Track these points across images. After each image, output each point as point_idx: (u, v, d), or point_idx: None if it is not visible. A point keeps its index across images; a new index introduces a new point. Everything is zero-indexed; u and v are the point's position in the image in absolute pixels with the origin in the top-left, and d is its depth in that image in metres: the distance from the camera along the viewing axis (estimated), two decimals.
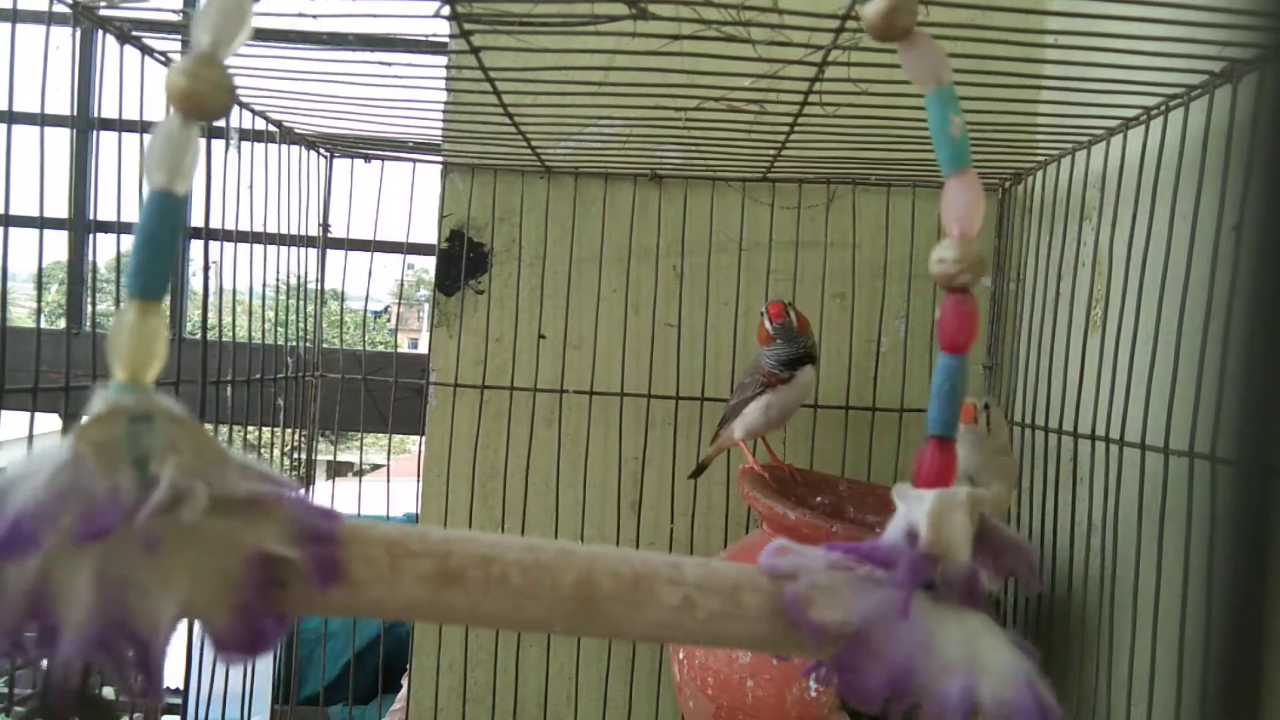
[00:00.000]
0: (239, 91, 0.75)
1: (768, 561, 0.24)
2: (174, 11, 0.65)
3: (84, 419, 0.20)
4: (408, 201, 0.92)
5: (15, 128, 0.61)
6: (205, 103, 0.22)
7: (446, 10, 0.52)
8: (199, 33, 0.22)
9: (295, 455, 0.95)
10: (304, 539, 0.21)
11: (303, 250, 0.94)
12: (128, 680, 0.18)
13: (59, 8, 0.60)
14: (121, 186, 0.69)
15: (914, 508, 0.25)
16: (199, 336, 0.78)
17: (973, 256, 0.27)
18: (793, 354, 0.72)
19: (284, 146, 0.85)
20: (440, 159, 0.90)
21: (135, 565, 0.19)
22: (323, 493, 1.00)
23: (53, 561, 0.18)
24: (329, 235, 0.97)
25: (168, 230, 0.21)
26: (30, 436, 0.66)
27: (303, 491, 0.22)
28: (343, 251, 0.97)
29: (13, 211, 0.58)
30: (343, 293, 1.18)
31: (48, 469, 0.19)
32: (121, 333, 0.21)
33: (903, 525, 0.25)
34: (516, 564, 0.22)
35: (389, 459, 0.98)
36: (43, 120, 0.61)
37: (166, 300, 0.22)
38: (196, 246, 0.81)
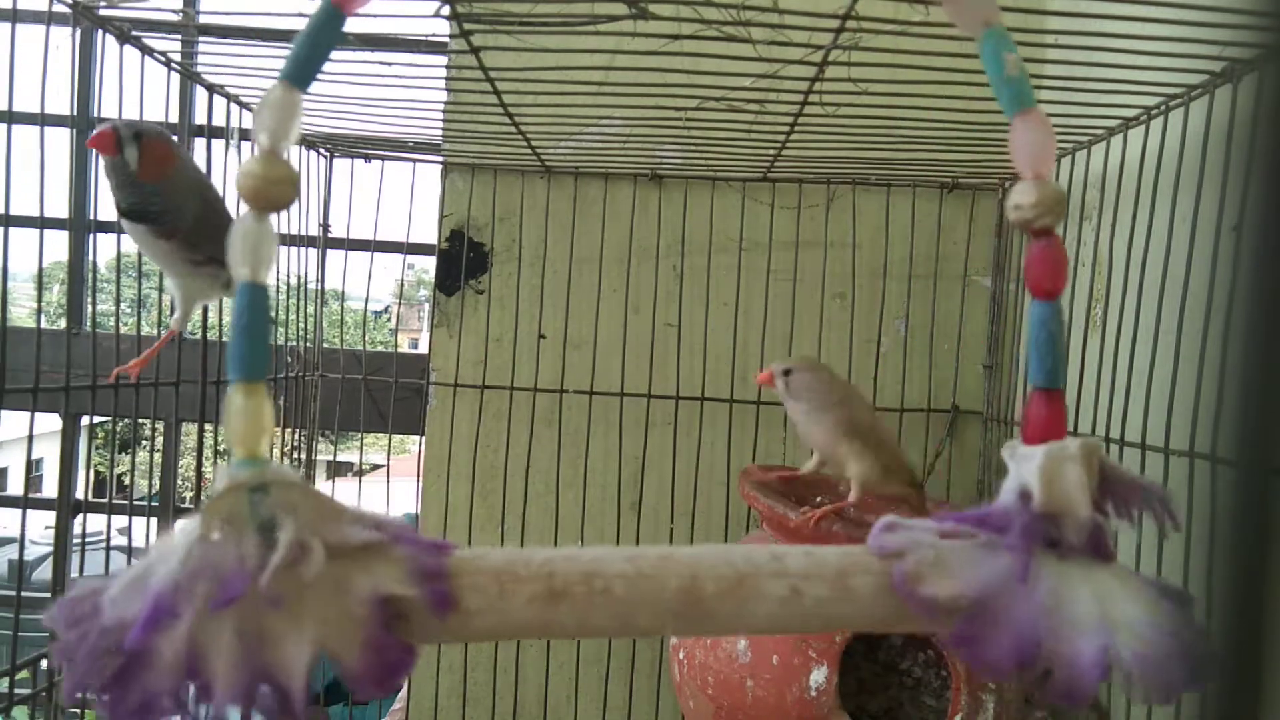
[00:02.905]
0: (238, 92, 0.76)
1: (876, 540, 0.24)
2: (174, 11, 0.65)
3: (209, 496, 0.22)
4: (408, 201, 0.92)
5: (15, 128, 0.61)
6: (274, 197, 0.24)
7: (446, 10, 0.52)
8: (259, 133, 0.24)
9: (295, 455, 0.95)
10: (418, 576, 0.23)
11: (303, 250, 0.94)
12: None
13: (59, 8, 0.60)
14: None
15: (1023, 466, 0.24)
16: (199, 336, 0.78)
17: (1052, 197, 0.26)
18: None
19: (289, 149, 0.85)
20: (440, 159, 0.90)
21: (268, 619, 0.21)
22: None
23: (199, 627, 0.20)
24: (329, 235, 0.97)
25: (260, 318, 0.24)
26: (30, 436, 0.67)
27: (413, 531, 0.24)
28: (343, 251, 0.97)
29: (13, 211, 0.58)
30: (343, 293, 1.18)
31: (182, 547, 0.22)
32: (232, 415, 0.24)
33: (1015, 486, 0.24)
34: (619, 576, 0.23)
35: (389, 459, 0.98)
36: (43, 120, 0.61)
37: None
38: None
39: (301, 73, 0.26)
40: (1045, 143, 0.26)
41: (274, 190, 0.24)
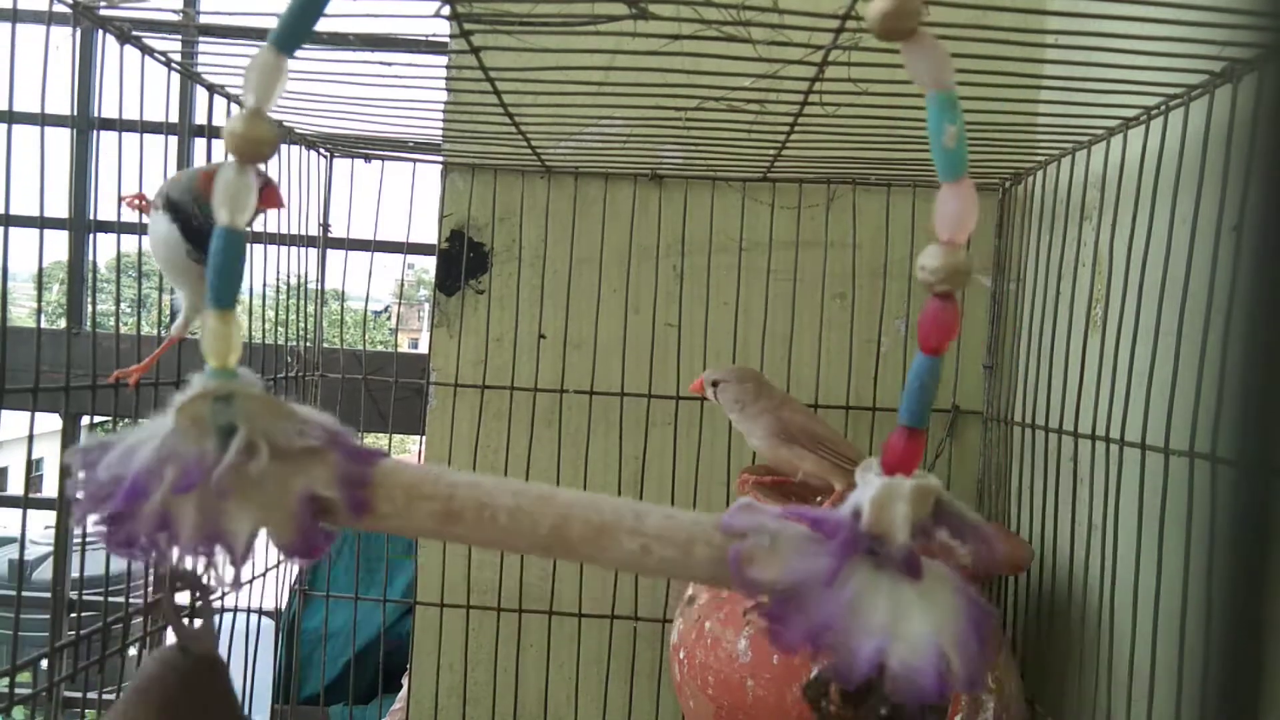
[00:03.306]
0: (238, 92, 0.76)
1: (727, 518, 0.28)
2: (174, 11, 0.65)
3: (182, 398, 0.27)
4: (408, 201, 0.92)
5: (15, 128, 0.61)
6: (256, 149, 0.28)
7: (446, 10, 0.52)
8: (246, 93, 0.28)
9: None
10: (343, 482, 0.28)
11: (303, 250, 0.94)
12: (218, 571, 0.27)
13: (59, 8, 0.60)
14: (121, 186, 0.69)
15: (863, 490, 0.28)
16: (200, 336, 0.78)
17: (954, 267, 0.28)
18: None
19: (284, 146, 0.85)
20: (440, 159, 0.90)
21: (221, 501, 0.27)
22: None
23: (167, 499, 0.26)
24: (329, 235, 0.97)
25: (235, 259, 0.28)
26: (30, 436, 0.67)
27: (350, 438, 0.29)
28: (343, 251, 0.97)
29: (13, 211, 0.58)
30: (343, 292, 1.18)
31: (157, 437, 0.27)
32: (206, 335, 0.28)
33: (854, 502, 0.28)
34: (504, 508, 0.28)
35: None
36: (43, 120, 0.61)
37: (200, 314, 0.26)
38: None
39: (289, 38, 0.28)
40: (967, 213, 0.29)
41: (256, 148, 0.28)
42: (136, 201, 0.71)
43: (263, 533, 0.27)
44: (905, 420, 0.28)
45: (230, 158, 0.28)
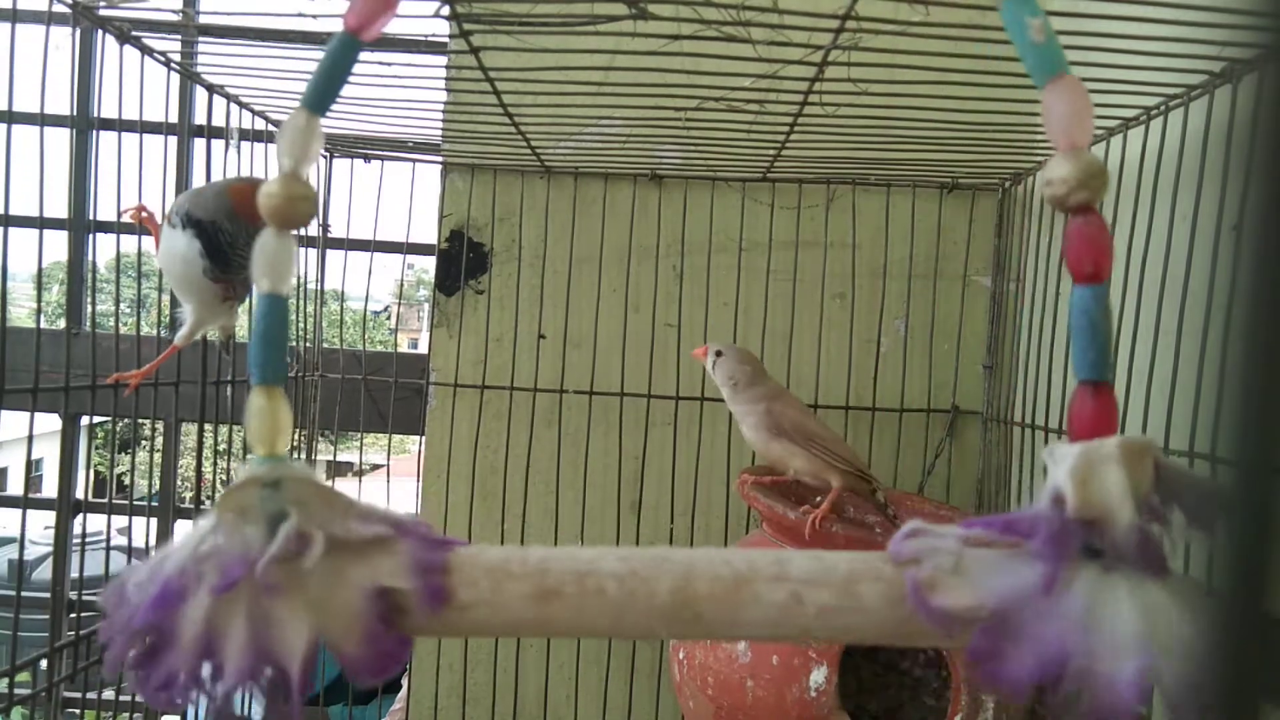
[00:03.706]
0: (238, 92, 0.76)
1: (895, 546, 0.23)
2: (174, 11, 0.65)
3: (224, 490, 0.24)
4: (408, 201, 0.92)
5: (15, 128, 0.61)
6: (294, 214, 0.26)
7: (446, 10, 0.52)
8: (281, 156, 0.27)
9: (295, 455, 0.95)
10: (415, 570, 0.24)
11: (303, 250, 0.94)
12: (274, 701, 0.22)
13: (59, 8, 0.60)
14: (121, 186, 0.69)
15: (1058, 467, 0.22)
16: (199, 338, 0.78)
17: (1087, 170, 0.23)
18: None
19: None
20: (440, 159, 0.90)
21: (273, 606, 0.23)
22: None
23: (213, 611, 0.22)
24: (329, 235, 0.97)
25: (278, 327, 0.26)
26: (30, 436, 0.67)
27: (426, 527, 0.25)
28: (343, 251, 0.97)
29: (13, 211, 0.58)
30: (343, 293, 1.18)
31: (197, 536, 0.24)
32: (251, 415, 0.26)
33: (1050, 489, 0.22)
34: (612, 576, 0.24)
35: (389, 459, 0.98)
36: (43, 120, 0.61)
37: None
38: None
39: (320, 100, 0.27)
40: (1080, 111, 0.24)
41: (295, 208, 0.26)
42: (137, 214, 0.71)
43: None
44: (1084, 373, 0.23)
45: (269, 225, 0.26)
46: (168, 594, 0.22)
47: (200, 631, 0.22)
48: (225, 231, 0.66)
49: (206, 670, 0.22)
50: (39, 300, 0.66)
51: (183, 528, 0.91)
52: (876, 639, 0.23)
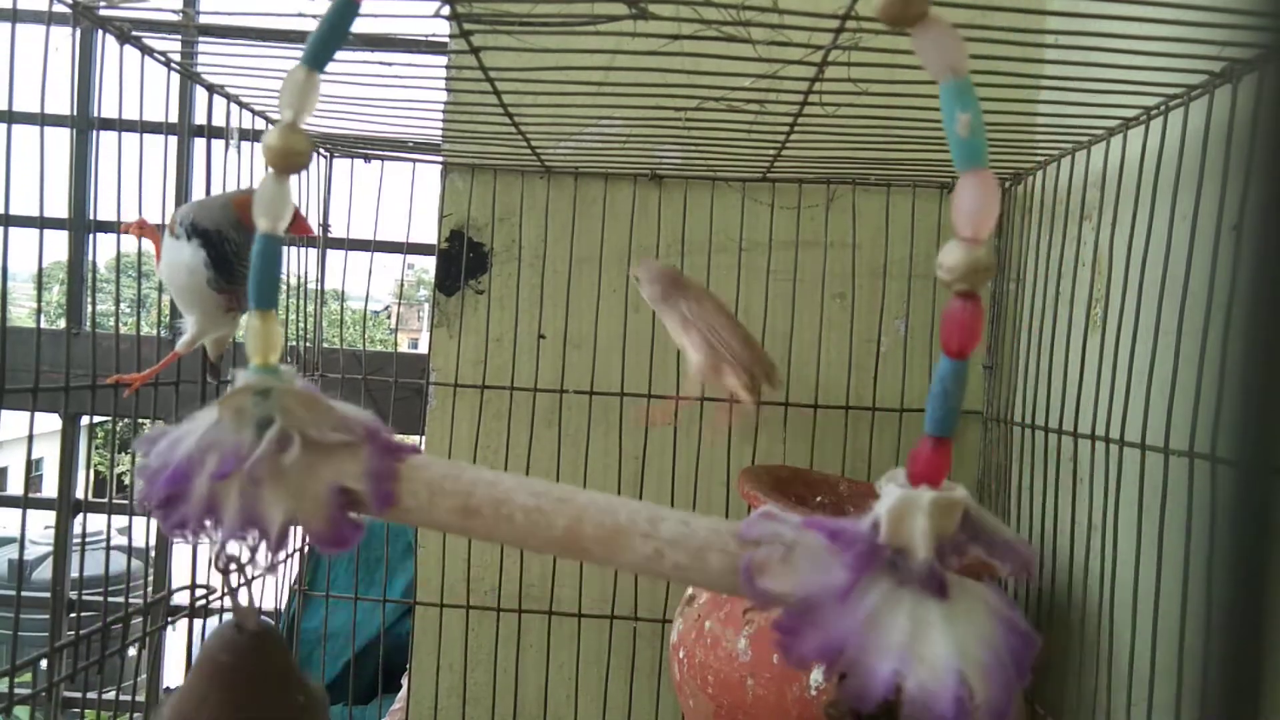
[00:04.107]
0: (238, 92, 0.76)
1: (745, 525, 0.27)
2: (174, 11, 0.65)
3: (224, 393, 0.29)
4: (408, 201, 0.92)
5: (15, 128, 0.61)
6: (293, 160, 0.30)
7: (446, 10, 0.52)
8: (283, 108, 0.29)
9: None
10: (371, 475, 0.29)
11: (303, 250, 0.94)
12: (255, 553, 0.29)
13: (59, 8, 0.60)
14: (121, 186, 0.69)
15: (883, 501, 0.26)
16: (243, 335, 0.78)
17: (974, 264, 0.26)
18: None
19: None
20: (440, 159, 0.90)
21: (259, 488, 0.28)
22: None
23: (213, 488, 0.28)
24: (329, 235, 0.97)
25: (273, 262, 0.30)
26: (30, 436, 0.67)
27: (384, 432, 0.30)
28: (343, 251, 0.97)
29: (13, 211, 0.58)
30: (343, 292, 1.18)
31: (201, 426, 0.29)
32: (250, 334, 0.30)
33: (875, 513, 0.27)
34: (521, 507, 0.29)
35: None
36: (43, 120, 0.61)
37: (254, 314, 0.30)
38: None
39: (318, 57, 0.30)
40: (987, 206, 0.27)
41: (293, 159, 0.29)
42: (138, 228, 0.71)
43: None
44: (930, 429, 0.27)
45: (269, 169, 0.30)
46: (178, 475, 0.28)
47: (204, 497, 0.28)
48: (231, 242, 0.66)
49: (209, 522, 0.28)
50: (39, 300, 0.66)
51: None
52: (715, 590, 0.30)
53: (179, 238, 0.67)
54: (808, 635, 0.25)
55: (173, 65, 0.68)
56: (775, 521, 0.27)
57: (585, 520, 0.28)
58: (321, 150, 0.93)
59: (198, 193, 0.82)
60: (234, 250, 0.66)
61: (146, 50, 0.65)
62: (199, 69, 0.70)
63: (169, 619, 0.82)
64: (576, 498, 0.29)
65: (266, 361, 0.30)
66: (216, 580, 0.79)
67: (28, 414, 0.63)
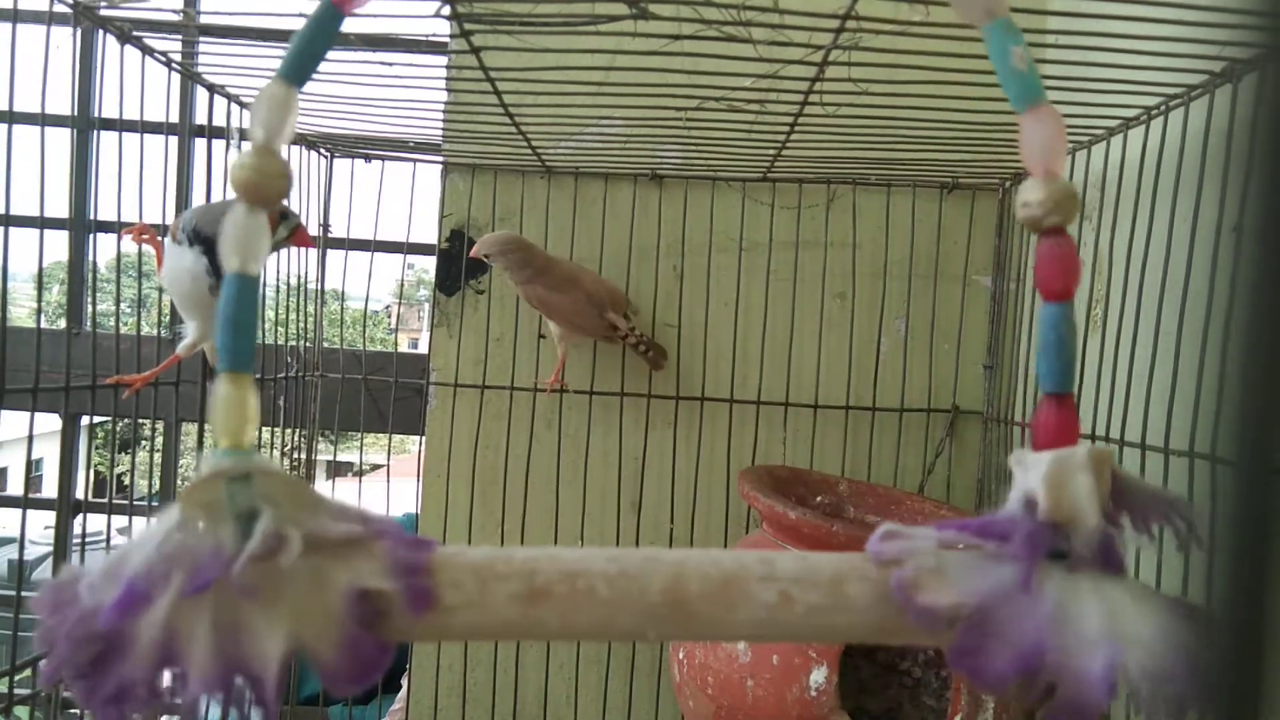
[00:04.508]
0: (238, 92, 0.76)
1: (873, 547, 0.24)
2: (174, 11, 0.65)
3: (188, 484, 0.22)
4: (408, 201, 0.92)
5: (15, 128, 0.61)
6: (267, 190, 0.24)
7: (446, 10, 0.52)
8: (255, 127, 0.25)
9: (295, 455, 0.95)
10: (397, 571, 0.22)
11: (303, 250, 0.94)
12: (243, 713, 0.21)
13: (59, 8, 0.60)
14: (121, 186, 0.69)
15: (1030, 473, 0.23)
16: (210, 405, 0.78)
17: (1060, 194, 0.24)
18: None
19: (284, 146, 0.85)
20: (440, 159, 0.90)
21: (244, 610, 0.21)
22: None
23: (175, 614, 0.20)
24: (329, 235, 0.97)
25: (248, 309, 0.24)
26: (30, 436, 0.67)
27: (398, 527, 0.24)
28: (343, 251, 0.97)
29: (13, 211, 0.58)
30: (343, 292, 1.18)
31: (160, 533, 0.22)
32: (217, 404, 0.23)
33: (1020, 493, 0.23)
34: (602, 575, 0.23)
35: (389, 459, 0.98)
36: (43, 120, 0.61)
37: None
38: None
39: (298, 71, 0.26)
40: (1056, 138, 0.25)
41: (268, 184, 0.24)
42: (138, 235, 0.71)
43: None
44: (1049, 386, 0.24)
45: (239, 198, 0.25)
46: (134, 595, 0.20)
47: (160, 637, 0.20)
48: None
49: (166, 679, 0.21)
50: (39, 300, 0.66)
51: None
52: (862, 637, 0.24)
53: (181, 244, 0.67)
54: (995, 650, 0.21)
55: (173, 65, 0.68)
56: (905, 535, 0.24)
57: (686, 576, 0.23)
58: (322, 150, 0.93)
59: (198, 193, 0.82)
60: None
61: (147, 50, 0.65)
62: (200, 69, 0.70)
63: None
64: (662, 556, 0.24)
65: (239, 442, 0.23)
66: None
67: (28, 414, 0.63)
